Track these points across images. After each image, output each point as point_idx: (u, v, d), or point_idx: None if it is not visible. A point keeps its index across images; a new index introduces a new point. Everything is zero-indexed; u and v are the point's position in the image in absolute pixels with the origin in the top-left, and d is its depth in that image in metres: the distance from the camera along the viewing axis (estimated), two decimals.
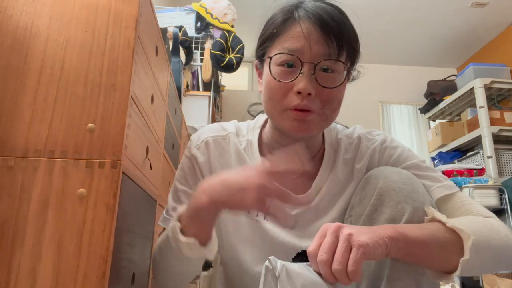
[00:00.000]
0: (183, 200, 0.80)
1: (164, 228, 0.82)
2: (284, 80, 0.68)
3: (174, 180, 0.83)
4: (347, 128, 0.87)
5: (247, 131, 0.84)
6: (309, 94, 0.66)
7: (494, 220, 0.67)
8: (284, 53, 0.67)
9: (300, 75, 0.67)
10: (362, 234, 0.53)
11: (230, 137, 0.81)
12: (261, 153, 0.80)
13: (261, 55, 0.75)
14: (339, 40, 0.67)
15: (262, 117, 0.85)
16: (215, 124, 0.84)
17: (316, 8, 0.68)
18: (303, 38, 0.67)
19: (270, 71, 0.69)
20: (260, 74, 0.78)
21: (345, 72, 0.70)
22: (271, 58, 0.70)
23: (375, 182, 0.67)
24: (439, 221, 0.62)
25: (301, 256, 0.60)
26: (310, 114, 0.68)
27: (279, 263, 0.52)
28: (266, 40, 0.72)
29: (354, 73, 0.76)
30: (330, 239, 0.53)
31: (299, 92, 0.67)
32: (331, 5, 0.70)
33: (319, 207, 0.77)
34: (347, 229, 0.54)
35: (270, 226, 0.76)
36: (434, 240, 0.59)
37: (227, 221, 0.79)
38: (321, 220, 0.77)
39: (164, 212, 0.83)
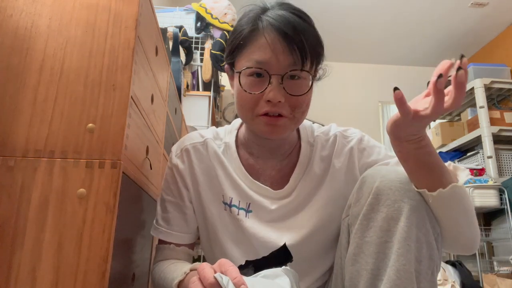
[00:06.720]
0: (169, 209, 0.83)
1: (161, 240, 0.84)
2: (254, 92, 0.72)
3: (161, 190, 0.87)
4: (323, 126, 0.90)
5: (224, 134, 0.88)
6: (279, 101, 0.71)
7: None
8: (252, 67, 0.72)
9: (269, 85, 0.71)
10: None
11: (208, 142, 0.85)
12: (239, 153, 0.84)
13: (230, 63, 0.79)
14: (302, 49, 0.71)
15: (238, 120, 0.89)
16: (194, 132, 0.88)
17: (279, 18, 0.72)
18: (269, 50, 0.71)
19: (240, 84, 0.73)
20: (231, 78, 0.81)
21: (311, 77, 0.74)
22: (240, 72, 0.74)
23: (372, 181, 0.67)
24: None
25: (248, 266, 0.59)
26: (281, 119, 0.72)
27: None
28: (235, 50, 0.76)
29: (320, 72, 0.80)
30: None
31: (269, 101, 0.71)
32: (294, 12, 0.73)
33: (297, 202, 0.80)
34: None
35: (250, 224, 0.79)
36: (443, 164, 0.65)
37: (214, 220, 0.82)
38: (299, 214, 0.80)
39: (154, 221, 0.85)
